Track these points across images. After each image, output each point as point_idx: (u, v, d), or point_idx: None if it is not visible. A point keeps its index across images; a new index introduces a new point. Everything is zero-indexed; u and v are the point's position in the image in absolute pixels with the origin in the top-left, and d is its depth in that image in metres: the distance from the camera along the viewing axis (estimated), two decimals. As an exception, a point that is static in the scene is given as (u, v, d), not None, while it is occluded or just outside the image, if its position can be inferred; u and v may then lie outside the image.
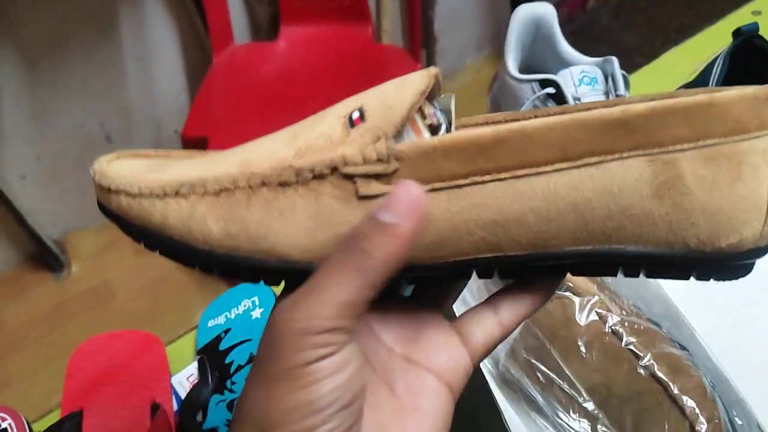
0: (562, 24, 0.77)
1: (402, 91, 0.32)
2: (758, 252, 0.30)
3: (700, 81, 0.75)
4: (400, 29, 1.77)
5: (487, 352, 0.35)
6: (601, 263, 0.32)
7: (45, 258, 1.74)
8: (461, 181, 0.30)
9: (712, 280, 0.32)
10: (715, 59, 0.74)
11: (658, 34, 2.11)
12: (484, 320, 0.35)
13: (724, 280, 0.32)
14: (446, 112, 0.35)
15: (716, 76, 0.73)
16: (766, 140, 0.29)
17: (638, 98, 0.33)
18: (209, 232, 0.32)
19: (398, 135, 0.31)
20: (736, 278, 0.32)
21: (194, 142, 1.37)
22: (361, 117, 0.31)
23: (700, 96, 0.29)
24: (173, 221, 0.33)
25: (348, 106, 0.33)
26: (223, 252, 0.32)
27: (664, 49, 0.95)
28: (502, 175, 0.30)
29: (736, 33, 0.73)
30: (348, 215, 0.30)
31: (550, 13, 0.75)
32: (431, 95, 0.34)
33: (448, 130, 0.35)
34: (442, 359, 0.34)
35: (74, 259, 1.79)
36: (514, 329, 0.35)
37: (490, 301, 0.35)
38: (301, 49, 1.55)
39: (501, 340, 0.35)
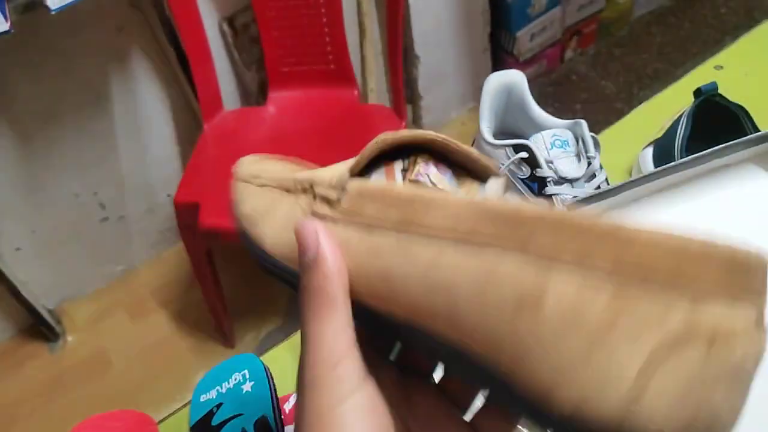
0: (543, 75, 0.81)
1: (389, 136, 0.35)
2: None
3: (667, 139, 0.79)
4: (386, 87, 1.82)
5: None
6: (472, 371, 0.28)
7: (40, 329, 1.75)
8: (374, 223, 0.32)
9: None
10: (680, 117, 0.78)
11: (634, 80, 2.17)
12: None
13: None
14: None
15: (681, 135, 0.76)
16: (670, 305, 0.23)
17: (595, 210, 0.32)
18: (241, 209, 0.41)
19: (370, 174, 0.35)
20: None
21: (186, 207, 1.40)
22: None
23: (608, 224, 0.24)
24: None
25: None
26: (241, 227, 0.40)
27: (641, 94, 0.99)
28: (393, 228, 0.31)
29: (697, 93, 0.77)
30: None
31: (519, 80, 0.79)
32: (444, 159, 0.36)
33: None
34: None
35: (69, 328, 1.79)
36: None
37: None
38: (289, 112, 1.59)
39: None
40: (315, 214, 0.34)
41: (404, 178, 0.35)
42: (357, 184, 0.33)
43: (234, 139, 1.53)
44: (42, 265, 1.73)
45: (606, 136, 0.93)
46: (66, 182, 1.64)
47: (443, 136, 0.35)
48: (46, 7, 1.13)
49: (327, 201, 0.34)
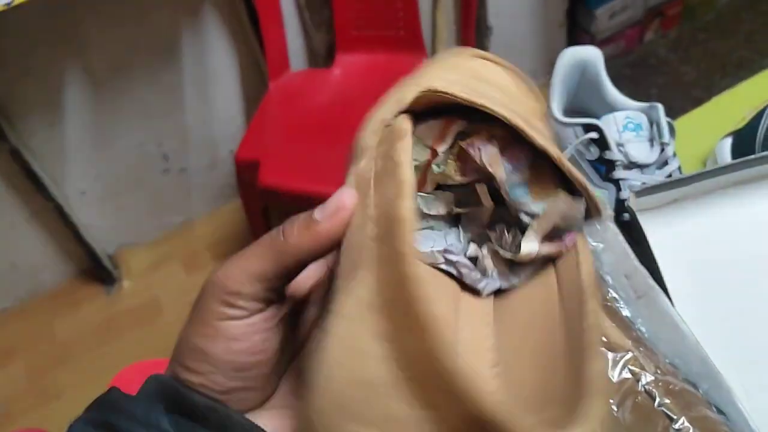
0: (619, 56, 0.77)
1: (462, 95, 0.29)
2: None
3: (748, 131, 0.74)
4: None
5: None
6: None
7: (98, 273, 1.80)
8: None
9: None
10: (764, 110, 0.73)
11: (716, 67, 2.07)
12: None
13: None
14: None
15: (763, 128, 0.72)
16: None
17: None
18: None
19: (426, 124, 0.31)
20: None
21: (247, 164, 1.40)
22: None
23: None
24: None
25: None
26: None
27: (722, 83, 0.94)
28: None
29: (787, 83, 0.72)
30: None
31: (596, 56, 0.75)
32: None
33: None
34: None
35: (126, 274, 1.84)
36: None
37: None
38: (355, 76, 1.57)
39: None
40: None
41: (454, 142, 0.30)
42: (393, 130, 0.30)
43: (298, 99, 1.52)
44: (104, 210, 1.76)
45: (682, 123, 0.89)
46: (132, 131, 1.67)
47: (520, 123, 0.28)
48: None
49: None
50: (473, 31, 1.51)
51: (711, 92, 0.93)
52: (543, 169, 0.29)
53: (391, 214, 0.26)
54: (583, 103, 0.79)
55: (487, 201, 0.31)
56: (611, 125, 0.69)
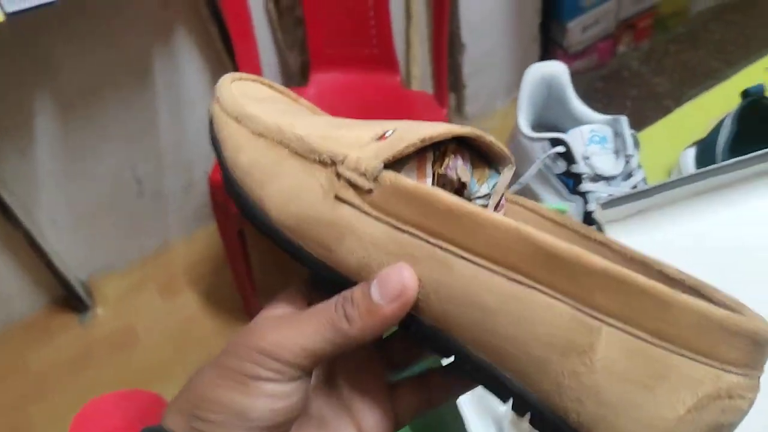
0: (593, 69, 0.78)
1: (428, 128, 0.33)
2: None
3: (710, 141, 0.75)
4: (430, 75, 1.79)
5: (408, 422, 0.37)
6: (496, 382, 0.31)
7: (71, 301, 1.76)
8: (403, 226, 0.31)
9: None
10: (724, 119, 0.74)
11: (688, 78, 2.09)
12: (411, 395, 0.37)
13: None
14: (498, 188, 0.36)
15: (724, 137, 0.72)
16: (706, 370, 0.27)
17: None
18: (237, 158, 0.36)
19: (401, 164, 0.33)
20: None
21: (221, 186, 1.39)
22: (386, 136, 0.34)
23: (661, 287, 0.27)
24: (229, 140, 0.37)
25: (391, 124, 0.35)
26: (236, 179, 0.36)
27: (693, 94, 0.94)
28: (434, 241, 0.31)
29: (744, 94, 0.73)
30: (319, 205, 0.33)
31: (561, 71, 0.75)
32: (483, 159, 0.35)
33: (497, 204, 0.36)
34: (370, 421, 0.35)
35: (100, 301, 1.81)
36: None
37: (423, 377, 0.37)
38: (330, 95, 1.57)
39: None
40: (339, 199, 0.32)
41: (434, 172, 0.34)
42: (392, 177, 0.32)
43: (272, 120, 1.52)
44: (76, 237, 1.74)
45: (648, 134, 0.89)
46: (104, 156, 1.65)
47: (470, 128, 0.34)
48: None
49: (354, 187, 0.32)
50: (445, 47, 1.52)
51: (683, 103, 0.94)
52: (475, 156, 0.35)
53: None
54: (551, 118, 0.79)
55: None
56: (577, 139, 0.69)
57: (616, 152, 0.69)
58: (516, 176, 0.76)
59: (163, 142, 1.71)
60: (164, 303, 1.77)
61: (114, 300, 1.81)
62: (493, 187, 0.35)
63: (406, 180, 0.31)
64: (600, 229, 0.60)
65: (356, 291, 0.31)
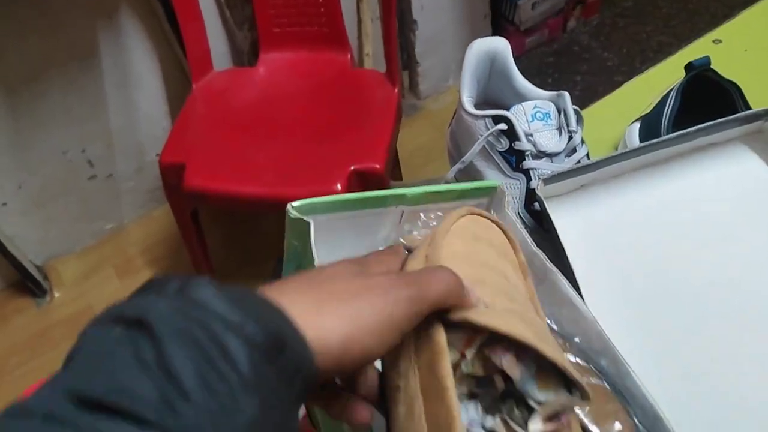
0: (544, 45, 0.78)
1: (518, 330, 0.37)
2: None
3: (655, 115, 0.76)
4: (383, 53, 1.79)
5: None
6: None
7: (27, 284, 1.74)
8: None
9: None
10: (669, 93, 0.75)
11: (636, 52, 2.13)
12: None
13: None
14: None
15: (669, 110, 0.74)
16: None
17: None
18: None
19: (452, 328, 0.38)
20: None
21: (172, 167, 1.38)
22: (485, 305, 0.40)
23: None
24: None
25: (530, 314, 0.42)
26: None
27: (642, 68, 0.96)
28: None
29: (688, 67, 0.74)
30: None
31: (504, 46, 0.76)
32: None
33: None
34: None
35: (56, 284, 1.79)
36: None
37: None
38: (280, 74, 1.56)
39: None
40: None
41: (477, 352, 0.38)
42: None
43: (223, 99, 1.50)
44: (29, 221, 1.72)
45: (595, 110, 0.90)
46: (53, 138, 1.62)
47: (554, 355, 0.36)
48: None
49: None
50: (394, 24, 1.51)
51: (632, 77, 0.95)
52: (548, 365, 0.37)
53: None
54: (495, 95, 0.80)
55: (500, 386, 0.38)
56: (520, 115, 0.70)
57: (559, 129, 0.70)
58: (459, 154, 0.76)
59: (113, 123, 1.68)
60: (122, 284, 1.75)
61: (71, 283, 1.79)
62: (547, 398, 0.38)
63: (440, 335, 0.36)
64: (542, 205, 0.61)
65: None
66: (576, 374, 0.37)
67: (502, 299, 0.40)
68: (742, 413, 0.56)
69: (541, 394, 0.37)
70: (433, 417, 0.35)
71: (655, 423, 0.48)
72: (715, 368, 0.58)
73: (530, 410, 0.38)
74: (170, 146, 1.41)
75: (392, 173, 1.58)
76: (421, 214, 0.60)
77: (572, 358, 0.51)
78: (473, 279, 0.40)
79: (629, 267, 0.63)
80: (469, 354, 0.37)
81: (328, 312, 0.32)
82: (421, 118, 2.07)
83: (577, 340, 0.53)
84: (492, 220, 0.47)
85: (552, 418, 0.38)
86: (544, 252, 0.56)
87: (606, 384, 0.50)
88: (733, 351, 0.58)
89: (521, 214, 0.69)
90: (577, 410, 0.46)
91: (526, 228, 0.62)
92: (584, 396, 0.37)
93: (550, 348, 0.36)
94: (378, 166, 1.32)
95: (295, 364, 0.28)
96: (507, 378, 0.38)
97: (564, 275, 0.55)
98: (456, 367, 0.37)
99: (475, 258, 0.43)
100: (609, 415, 0.47)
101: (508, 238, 0.47)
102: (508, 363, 0.37)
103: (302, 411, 0.65)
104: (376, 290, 0.34)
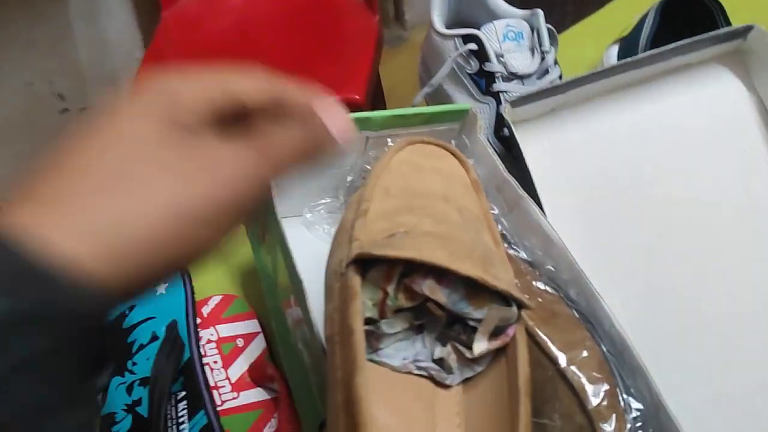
0: None
1: (429, 253, 0.37)
2: None
3: (633, 37, 0.73)
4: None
5: None
6: None
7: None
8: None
9: None
10: (647, 14, 0.71)
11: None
12: None
13: None
14: None
15: (648, 31, 0.70)
16: None
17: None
18: None
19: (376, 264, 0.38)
20: None
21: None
22: (395, 235, 0.40)
23: None
24: None
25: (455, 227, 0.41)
26: None
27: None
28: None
29: (669, -17, 0.70)
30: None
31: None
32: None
33: None
34: None
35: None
36: None
37: None
38: (255, 1, 1.50)
39: None
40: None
41: (399, 281, 0.37)
42: (350, 273, 0.37)
43: (196, 27, 1.45)
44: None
45: (573, 32, 0.87)
46: (16, 70, 1.55)
47: (476, 272, 0.36)
48: None
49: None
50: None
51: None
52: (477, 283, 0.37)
53: (350, 393, 0.32)
54: (468, 15, 0.76)
55: (438, 313, 0.38)
56: (491, 35, 0.66)
57: (532, 49, 0.66)
58: (429, 77, 0.73)
59: (82, 54, 1.62)
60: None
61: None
62: (483, 315, 0.37)
63: (353, 280, 0.36)
64: (509, 129, 0.58)
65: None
66: (500, 284, 0.36)
67: (426, 223, 0.39)
68: (702, 328, 0.57)
69: (477, 312, 0.37)
70: (347, 363, 0.34)
71: (623, 351, 0.47)
72: (678, 285, 0.58)
73: (475, 331, 0.38)
74: (142, 75, 1.36)
75: (375, 106, 1.54)
76: (389, 140, 0.58)
77: (542, 286, 0.50)
78: (400, 209, 0.40)
79: (599, 195, 0.61)
80: (391, 289, 0.37)
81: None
82: (407, 50, 2.00)
83: (548, 267, 0.51)
84: (438, 145, 0.47)
85: (498, 333, 0.37)
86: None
87: (575, 312, 0.49)
88: (697, 270, 0.58)
89: (491, 141, 0.66)
90: (544, 337, 0.45)
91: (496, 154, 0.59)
92: (521, 304, 0.37)
93: (466, 264, 0.35)
94: (358, 97, 1.28)
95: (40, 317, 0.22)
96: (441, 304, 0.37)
97: (532, 202, 0.53)
98: (383, 304, 0.37)
99: (411, 188, 0.43)
100: (577, 343, 0.46)
101: (458, 159, 0.46)
102: (429, 288, 0.36)
103: (263, 346, 0.63)
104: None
